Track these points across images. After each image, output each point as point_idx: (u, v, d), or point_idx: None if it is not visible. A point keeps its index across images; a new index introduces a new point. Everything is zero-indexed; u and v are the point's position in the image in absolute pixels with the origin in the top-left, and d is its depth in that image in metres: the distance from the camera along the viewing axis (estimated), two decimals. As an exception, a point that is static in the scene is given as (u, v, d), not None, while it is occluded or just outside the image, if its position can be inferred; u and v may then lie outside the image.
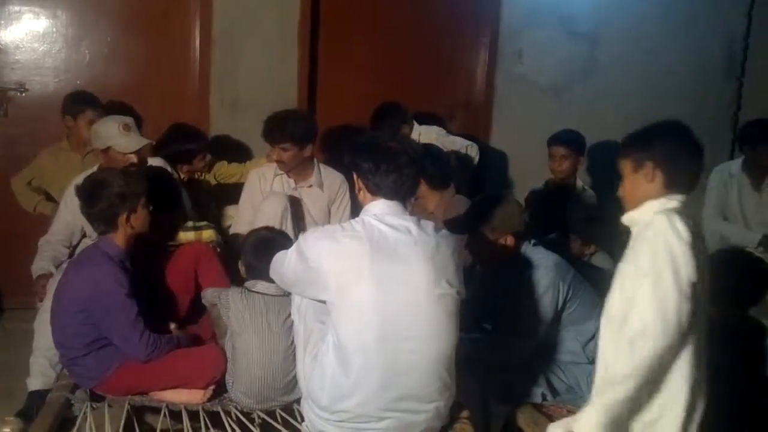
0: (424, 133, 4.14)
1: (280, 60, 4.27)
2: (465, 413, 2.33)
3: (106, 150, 3.10)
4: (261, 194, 3.54)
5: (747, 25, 4.85)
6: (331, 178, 3.63)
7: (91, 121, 3.48)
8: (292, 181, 3.58)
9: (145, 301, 2.56)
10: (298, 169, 3.54)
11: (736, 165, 4.26)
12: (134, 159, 3.07)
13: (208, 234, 3.04)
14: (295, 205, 3.46)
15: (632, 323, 1.90)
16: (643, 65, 4.71)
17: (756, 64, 4.87)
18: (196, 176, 3.80)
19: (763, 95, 4.81)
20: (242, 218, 3.57)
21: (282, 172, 3.56)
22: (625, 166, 2.10)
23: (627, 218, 2.08)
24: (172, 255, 2.93)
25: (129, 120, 3.17)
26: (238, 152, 4.11)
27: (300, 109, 4.04)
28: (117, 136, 3.07)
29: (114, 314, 2.47)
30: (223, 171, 3.93)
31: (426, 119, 4.26)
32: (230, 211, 3.75)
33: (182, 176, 3.68)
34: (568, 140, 3.93)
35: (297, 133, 3.41)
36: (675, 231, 1.92)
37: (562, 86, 4.67)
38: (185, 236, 3.04)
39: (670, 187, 2.02)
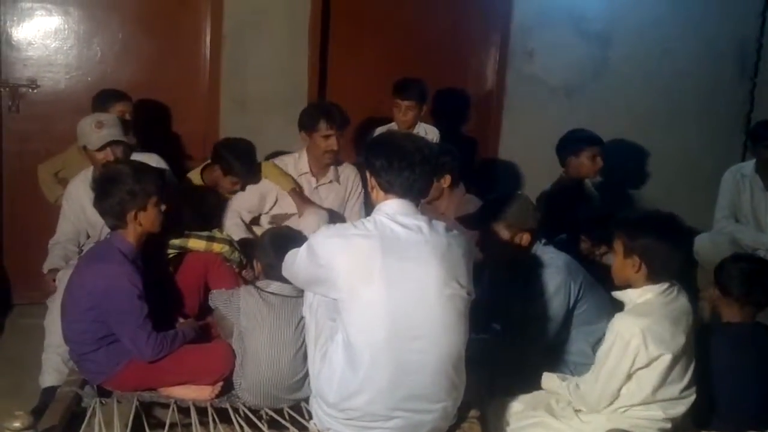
0: (429, 132, 4.11)
1: (290, 58, 4.27)
2: (473, 413, 2.33)
3: (85, 148, 3.08)
4: (274, 188, 3.58)
5: (760, 25, 4.82)
6: (347, 170, 3.69)
7: (122, 113, 3.47)
8: (313, 179, 3.62)
9: (154, 300, 2.57)
10: (319, 165, 3.59)
11: (748, 166, 4.24)
12: (109, 156, 3.00)
13: (220, 247, 2.89)
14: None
15: None
16: (655, 65, 4.68)
17: (769, 65, 4.84)
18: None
19: (776, 96, 4.78)
20: (244, 202, 3.59)
21: (306, 171, 3.60)
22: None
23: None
24: (182, 259, 2.92)
25: (105, 117, 3.14)
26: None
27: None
28: (89, 133, 3.04)
29: (124, 314, 2.48)
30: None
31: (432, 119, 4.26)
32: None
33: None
34: (599, 139, 3.94)
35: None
36: None
37: (573, 86, 4.64)
38: (195, 243, 2.89)
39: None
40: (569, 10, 4.56)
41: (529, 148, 4.58)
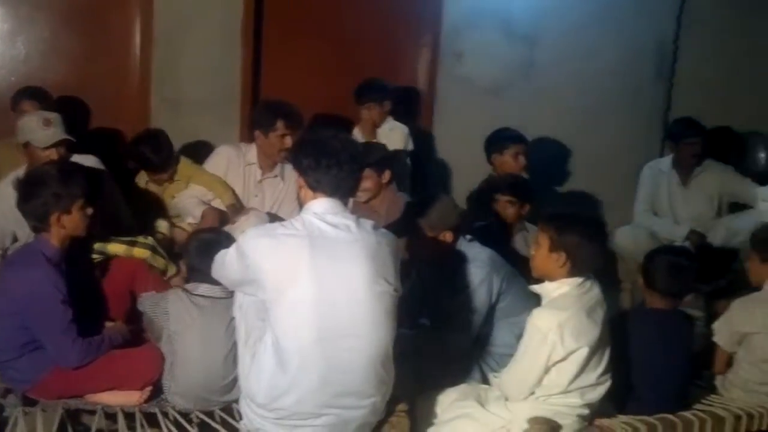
0: (396, 129, 4.17)
1: (223, 58, 4.20)
2: (401, 406, 2.34)
3: (27, 145, 3.00)
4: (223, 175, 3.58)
5: (676, 28, 4.97)
6: (290, 167, 3.63)
7: (28, 112, 3.33)
8: (259, 171, 3.63)
9: (80, 305, 2.49)
10: (268, 160, 3.61)
11: (666, 162, 4.39)
12: (54, 155, 2.95)
13: (141, 252, 2.82)
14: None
15: None
16: (580, 66, 4.78)
17: (684, 65, 5.00)
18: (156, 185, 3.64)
19: (690, 95, 4.94)
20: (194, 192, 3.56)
21: (254, 162, 3.61)
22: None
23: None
24: (108, 264, 2.84)
25: (53, 116, 3.06)
26: (180, 152, 4.00)
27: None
28: (36, 130, 2.97)
29: (47, 320, 2.40)
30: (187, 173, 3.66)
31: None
32: (161, 225, 3.47)
33: (145, 182, 3.60)
34: (522, 137, 4.00)
35: None
36: None
37: (502, 87, 4.70)
38: (115, 248, 2.82)
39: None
40: (497, 12, 4.62)
41: (460, 147, 4.62)
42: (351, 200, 3.32)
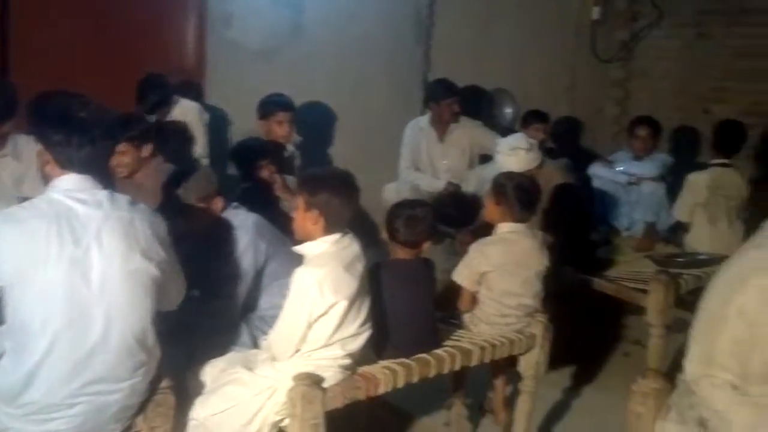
0: (187, 109, 3.99)
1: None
2: (165, 383, 2.24)
3: None
4: None
5: (431, -6, 5.18)
6: (30, 145, 3.15)
7: None
8: None
9: None
10: None
11: (424, 120, 4.61)
12: None
13: None
14: None
15: None
16: (344, 30, 4.81)
17: (440, 30, 5.23)
18: None
19: (446, 57, 5.20)
20: None
21: None
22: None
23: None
24: None
25: None
26: None
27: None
28: None
29: None
30: None
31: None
32: None
33: None
34: (290, 105, 3.93)
35: None
36: None
37: (272, 50, 4.61)
38: None
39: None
40: (263, -25, 4.49)
41: (233, 112, 4.49)
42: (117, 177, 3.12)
